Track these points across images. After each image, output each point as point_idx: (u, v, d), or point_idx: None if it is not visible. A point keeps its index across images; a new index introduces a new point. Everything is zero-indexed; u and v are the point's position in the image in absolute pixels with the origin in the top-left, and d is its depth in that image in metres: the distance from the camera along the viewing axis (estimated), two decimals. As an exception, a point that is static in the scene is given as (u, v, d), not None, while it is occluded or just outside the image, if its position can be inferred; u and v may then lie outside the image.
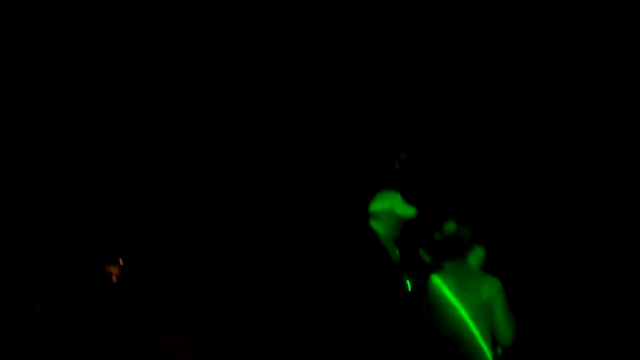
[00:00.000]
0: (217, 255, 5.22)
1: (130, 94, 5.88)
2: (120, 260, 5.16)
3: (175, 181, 5.39)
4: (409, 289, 4.73)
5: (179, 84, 5.78)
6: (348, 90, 5.78)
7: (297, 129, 5.78)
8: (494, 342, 4.30)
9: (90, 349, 5.07)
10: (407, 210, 4.82)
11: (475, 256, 4.46)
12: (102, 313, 5.13)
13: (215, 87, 5.74)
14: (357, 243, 4.75)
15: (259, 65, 5.83)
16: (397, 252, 4.86)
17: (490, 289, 4.26)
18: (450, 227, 4.51)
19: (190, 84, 5.74)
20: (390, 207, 4.82)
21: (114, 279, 5.19)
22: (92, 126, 5.94)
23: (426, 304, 4.46)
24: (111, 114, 5.96)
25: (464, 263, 4.43)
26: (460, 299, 4.33)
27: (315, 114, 5.74)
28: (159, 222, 5.41)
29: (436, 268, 4.52)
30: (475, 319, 4.27)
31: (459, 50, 5.81)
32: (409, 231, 4.82)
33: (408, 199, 4.82)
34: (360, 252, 4.71)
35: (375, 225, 4.82)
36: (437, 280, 4.44)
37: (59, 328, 5.06)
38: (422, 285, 4.52)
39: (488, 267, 4.52)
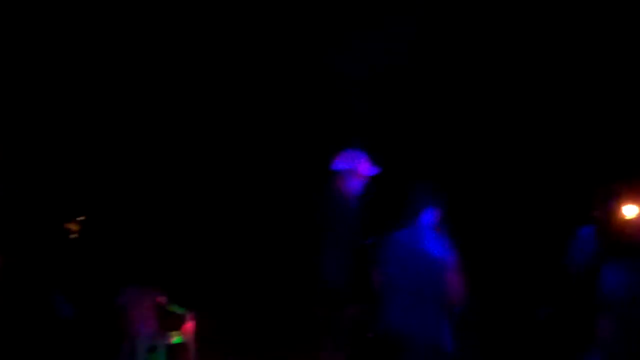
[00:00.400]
0: (177, 212, 5.19)
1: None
2: (80, 217, 5.10)
3: (134, 139, 5.34)
4: (369, 245, 4.77)
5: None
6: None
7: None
8: (447, 300, 4.36)
9: (50, 304, 5.02)
10: (370, 169, 4.83)
11: (432, 216, 4.50)
12: (61, 269, 5.08)
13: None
14: (320, 201, 4.76)
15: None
16: (359, 209, 4.88)
17: (443, 248, 4.32)
18: (408, 186, 4.56)
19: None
20: (353, 165, 4.82)
21: (74, 235, 5.14)
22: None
23: (384, 260, 4.50)
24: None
25: (421, 222, 4.46)
26: (412, 256, 4.38)
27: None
28: (121, 179, 5.35)
29: (395, 226, 4.57)
30: (429, 276, 4.32)
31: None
32: (371, 189, 4.84)
33: (371, 158, 4.84)
34: (323, 210, 4.73)
35: (338, 183, 4.82)
36: (396, 237, 4.48)
37: (18, 283, 5.00)
38: (381, 242, 4.56)
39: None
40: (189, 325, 5.21)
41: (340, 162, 4.84)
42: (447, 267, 4.29)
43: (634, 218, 5.03)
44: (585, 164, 5.83)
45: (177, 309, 5.19)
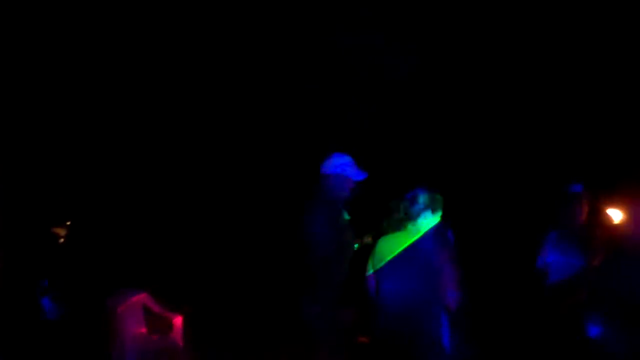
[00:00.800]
0: (165, 214, 5.18)
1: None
2: (68, 222, 5.09)
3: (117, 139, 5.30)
4: (357, 249, 4.79)
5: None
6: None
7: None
8: (441, 303, 4.37)
9: (40, 305, 5.04)
10: (357, 173, 4.82)
11: (427, 219, 4.49)
12: (51, 271, 5.09)
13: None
14: (305, 205, 4.75)
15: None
16: (347, 213, 4.88)
17: (440, 252, 4.32)
18: (402, 190, 4.55)
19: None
20: (341, 169, 4.80)
21: (63, 238, 5.14)
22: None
23: (374, 262, 4.52)
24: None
25: (415, 225, 4.46)
26: (408, 259, 4.38)
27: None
28: (110, 182, 5.33)
29: (386, 229, 4.58)
30: (423, 280, 4.32)
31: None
32: (359, 193, 4.83)
33: (359, 163, 4.82)
34: (309, 214, 4.72)
35: (326, 186, 4.81)
36: (386, 240, 4.49)
37: (9, 284, 5.01)
38: (371, 245, 4.58)
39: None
40: (179, 326, 5.25)
41: (329, 166, 4.82)
42: (442, 267, 4.30)
43: (621, 222, 5.08)
44: (552, 167, 5.86)
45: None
